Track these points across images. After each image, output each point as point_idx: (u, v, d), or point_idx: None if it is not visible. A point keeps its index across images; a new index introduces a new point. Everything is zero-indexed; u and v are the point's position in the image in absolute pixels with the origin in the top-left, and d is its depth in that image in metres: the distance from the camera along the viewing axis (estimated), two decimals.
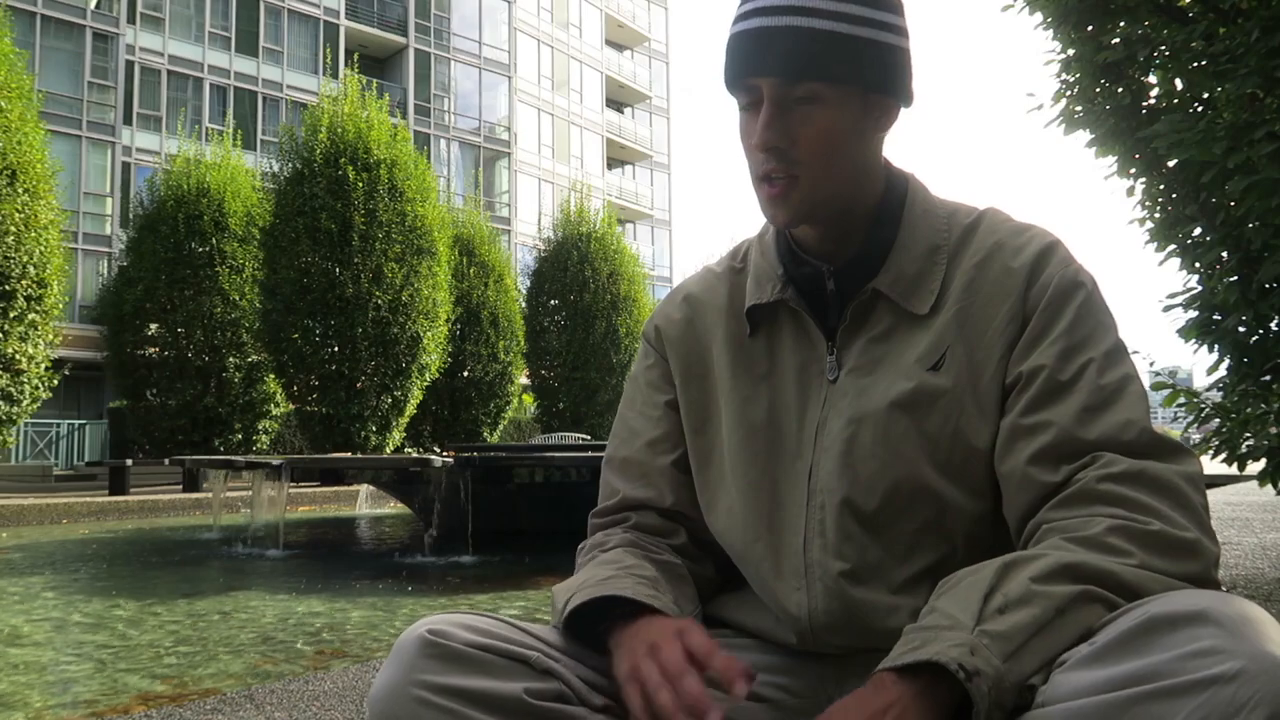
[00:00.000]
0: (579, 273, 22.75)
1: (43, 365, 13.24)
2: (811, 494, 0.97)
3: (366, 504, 11.79)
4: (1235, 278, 2.92)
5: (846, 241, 1.00)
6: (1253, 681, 0.62)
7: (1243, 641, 0.64)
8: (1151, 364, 3.81)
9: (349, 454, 14.82)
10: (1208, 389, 3.40)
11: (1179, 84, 3.27)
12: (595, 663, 0.92)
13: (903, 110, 0.98)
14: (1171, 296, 3.25)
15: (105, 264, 25.25)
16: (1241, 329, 2.98)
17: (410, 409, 17.15)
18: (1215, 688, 0.63)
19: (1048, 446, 0.88)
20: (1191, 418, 3.26)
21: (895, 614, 0.92)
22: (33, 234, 12.87)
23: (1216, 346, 3.07)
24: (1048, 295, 0.93)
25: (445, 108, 33.93)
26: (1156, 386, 3.33)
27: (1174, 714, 0.64)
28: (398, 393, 16.58)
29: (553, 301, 23.10)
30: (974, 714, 0.70)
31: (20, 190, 12.77)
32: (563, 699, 0.87)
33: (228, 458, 11.41)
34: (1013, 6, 3.73)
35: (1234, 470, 3.19)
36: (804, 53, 0.90)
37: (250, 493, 10.01)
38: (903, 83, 0.96)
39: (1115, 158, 3.61)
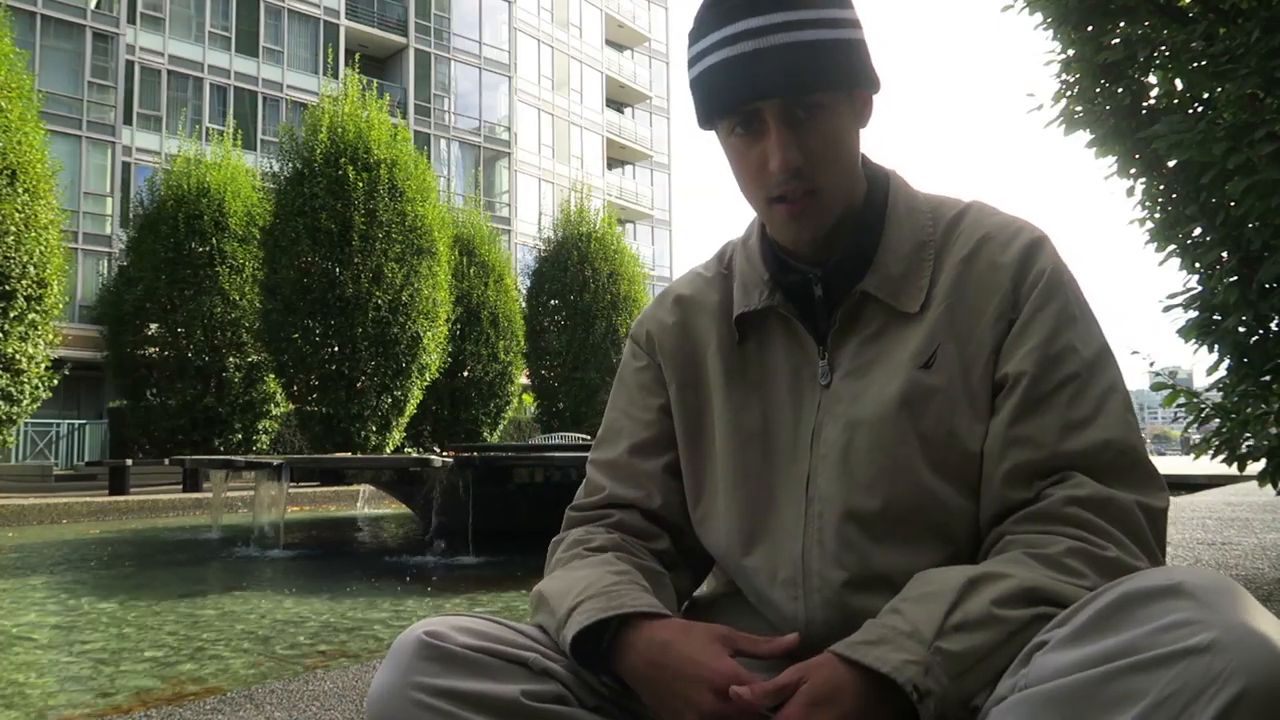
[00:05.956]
0: (579, 273, 22.76)
1: (43, 365, 13.23)
2: (810, 502, 0.96)
3: (366, 504, 11.79)
4: (1235, 278, 2.92)
5: (833, 244, 0.99)
6: (1227, 652, 0.62)
7: (1216, 613, 0.65)
8: (1151, 364, 3.80)
9: (349, 454, 14.82)
10: (1208, 389, 3.39)
11: (1179, 84, 3.27)
12: None
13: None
14: (1171, 297, 3.25)
15: (105, 264, 25.26)
16: (1241, 329, 2.98)
17: (410, 409, 17.14)
18: (1190, 659, 0.63)
19: (1024, 464, 0.90)
20: (1191, 418, 3.26)
21: None
22: (33, 234, 12.86)
23: (1216, 347, 3.07)
24: (1035, 294, 0.94)
25: (445, 108, 33.93)
26: (1156, 387, 3.33)
27: (1150, 686, 0.64)
28: (398, 393, 16.58)
29: (553, 301, 23.10)
30: None
31: (20, 190, 12.76)
32: (561, 700, 0.87)
33: (228, 458, 11.39)
34: (1013, 7, 3.73)
35: (1234, 470, 3.18)
36: (802, 67, 0.90)
37: (250, 493, 10.01)
38: (873, 73, 0.97)
39: (1115, 158, 3.60)
